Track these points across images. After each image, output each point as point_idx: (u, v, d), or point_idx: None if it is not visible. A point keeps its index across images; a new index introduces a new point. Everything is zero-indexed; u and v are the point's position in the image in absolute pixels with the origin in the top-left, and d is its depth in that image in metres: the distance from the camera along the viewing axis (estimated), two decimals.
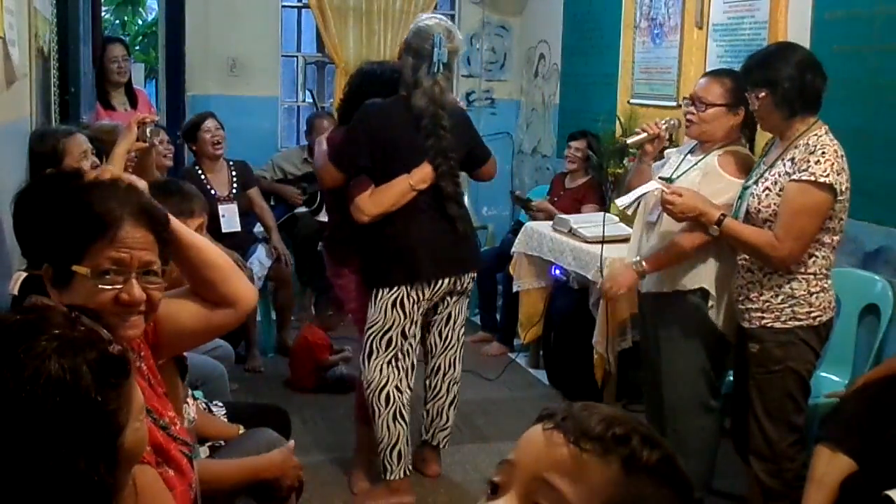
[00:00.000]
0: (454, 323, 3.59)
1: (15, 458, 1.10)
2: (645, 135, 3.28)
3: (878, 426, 2.79)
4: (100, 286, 1.60)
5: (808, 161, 2.77)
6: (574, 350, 4.48)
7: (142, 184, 1.74)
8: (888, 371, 3.00)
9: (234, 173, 5.16)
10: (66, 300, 1.59)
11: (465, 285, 3.55)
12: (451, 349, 3.62)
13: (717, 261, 3.10)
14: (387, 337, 3.39)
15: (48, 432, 1.11)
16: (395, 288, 3.36)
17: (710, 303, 3.11)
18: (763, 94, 2.85)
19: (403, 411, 3.43)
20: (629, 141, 3.45)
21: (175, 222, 1.82)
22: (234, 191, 5.12)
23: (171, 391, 2.06)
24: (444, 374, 3.63)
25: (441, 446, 3.72)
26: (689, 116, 3.18)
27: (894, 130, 3.47)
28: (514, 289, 4.96)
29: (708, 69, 4.53)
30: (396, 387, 3.42)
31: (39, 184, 1.70)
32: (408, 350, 3.45)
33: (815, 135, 2.82)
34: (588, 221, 4.50)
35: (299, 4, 6.69)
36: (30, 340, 1.14)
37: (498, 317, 5.59)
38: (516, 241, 4.89)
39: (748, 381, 2.99)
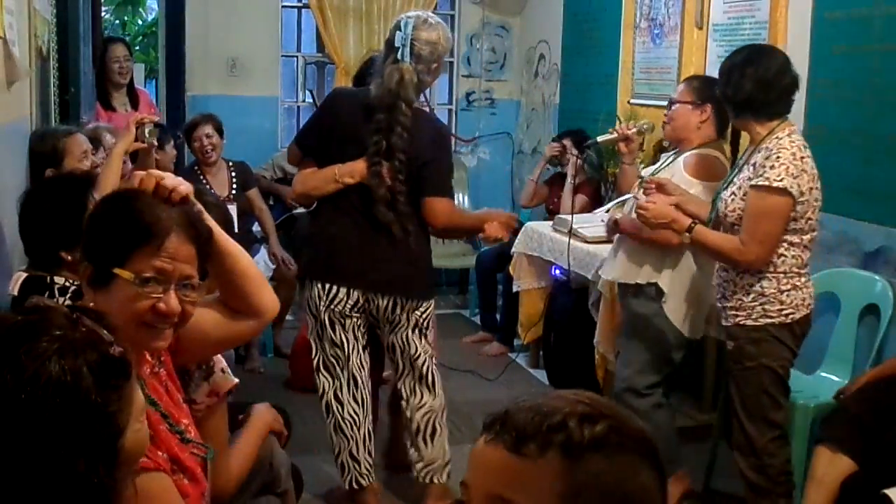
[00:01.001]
0: (401, 353, 3.30)
1: (14, 458, 1.10)
2: (615, 135, 3.50)
3: (878, 427, 2.80)
4: (139, 293, 1.62)
5: (765, 166, 2.82)
6: (574, 350, 4.47)
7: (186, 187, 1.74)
8: (888, 371, 3.01)
9: (233, 174, 5.17)
10: (101, 300, 1.61)
11: (384, 308, 3.21)
12: (406, 376, 3.33)
13: (674, 259, 3.26)
14: (312, 339, 3.33)
15: (48, 433, 1.10)
16: (305, 283, 3.31)
17: (664, 298, 3.27)
18: (718, 95, 3.02)
19: (342, 425, 3.30)
20: (599, 139, 3.63)
21: (217, 229, 1.83)
22: (233, 192, 5.13)
23: (219, 435, 2.08)
24: (406, 400, 3.34)
25: (423, 480, 3.37)
26: (664, 119, 3.42)
27: (894, 130, 3.47)
28: (514, 289, 4.96)
29: (708, 69, 4.54)
30: (335, 395, 3.31)
31: (59, 183, 1.70)
32: (335, 357, 3.28)
33: (777, 138, 2.86)
34: (588, 221, 4.50)
35: (299, 4, 6.68)
36: (31, 341, 1.14)
37: (498, 317, 5.59)
38: (516, 241, 4.89)
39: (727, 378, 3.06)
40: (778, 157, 2.80)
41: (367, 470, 3.34)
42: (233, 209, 5.00)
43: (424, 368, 3.32)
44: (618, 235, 3.47)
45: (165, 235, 1.63)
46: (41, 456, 1.10)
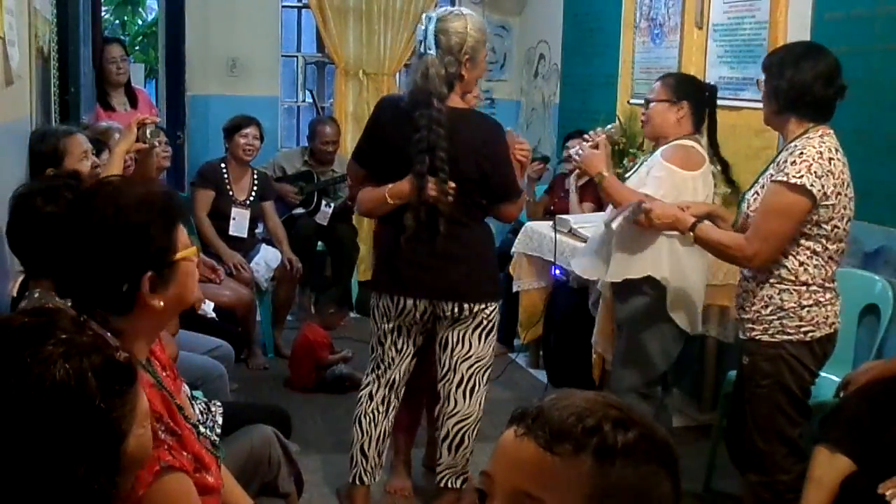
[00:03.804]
0: (451, 351, 3.22)
1: (15, 462, 1.09)
2: (585, 144, 3.39)
3: (877, 427, 2.79)
4: (193, 259, 1.75)
5: (787, 161, 2.73)
6: (574, 350, 4.47)
7: None
8: (887, 372, 3.00)
9: (255, 182, 5.20)
10: (172, 295, 1.69)
11: (450, 312, 3.16)
12: (447, 381, 3.25)
13: (672, 253, 3.21)
14: (372, 344, 3.34)
15: (50, 438, 1.10)
16: (373, 293, 3.30)
17: (665, 291, 3.23)
18: (768, 86, 2.85)
19: (363, 419, 3.31)
20: (572, 151, 3.58)
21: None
22: (251, 198, 5.17)
23: None
24: (442, 406, 3.28)
25: (442, 485, 3.37)
26: (641, 118, 3.43)
27: (894, 130, 3.47)
28: (514, 289, 4.95)
29: (708, 69, 4.54)
30: (370, 392, 3.32)
31: (78, 216, 1.68)
32: (386, 362, 3.28)
33: (807, 137, 2.76)
34: (588, 221, 4.49)
35: (299, 4, 6.68)
36: (36, 344, 1.13)
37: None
38: (516, 241, 4.89)
39: (744, 392, 2.98)
40: (801, 154, 2.70)
41: (372, 468, 3.34)
42: (246, 214, 5.09)
43: (469, 373, 3.23)
44: (609, 236, 3.38)
45: (178, 203, 1.74)
46: (42, 460, 1.09)
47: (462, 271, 3.14)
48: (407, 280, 3.16)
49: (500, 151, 3.11)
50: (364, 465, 3.33)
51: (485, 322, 3.21)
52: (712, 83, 3.50)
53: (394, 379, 3.31)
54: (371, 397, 3.32)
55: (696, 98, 3.34)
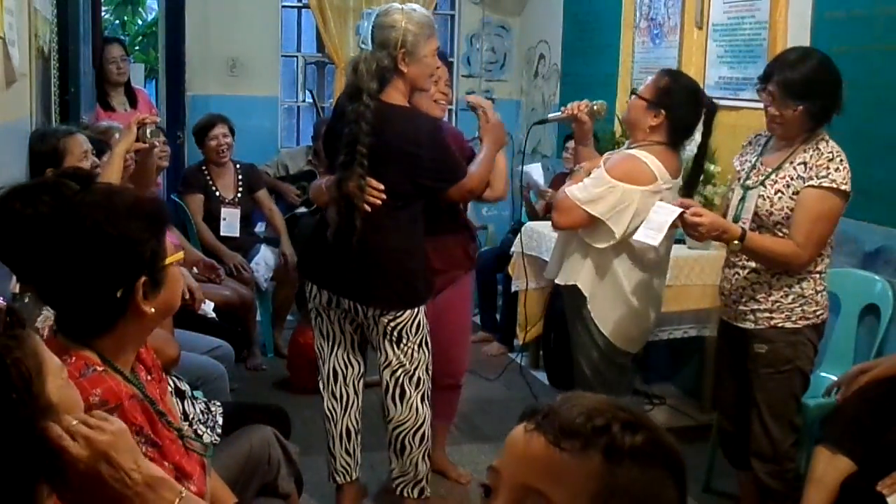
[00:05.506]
0: (383, 358, 3.14)
1: None
2: (565, 114, 3.25)
3: (877, 428, 2.79)
4: (179, 264, 1.79)
5: (828, 168, 2.80)
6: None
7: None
8: (889, 373, 3.00)
9: (240, 177, 5.19)
10: (161, 300, 1.72)
11: (348, 306, 3.10)
12: (383, 387, 3.18)
13: (595, 262, 3.09)
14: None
15: None
16: None
17: (588, 303, 3.11)
18: (800, 107, 2.80)
19: (324, 418, 3.28)
20: (549, 116, 3.48)
21: None
22: (238, 194, 5.15)
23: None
24: (386, 411, 3.21)
25: (398, 492, 3.28)
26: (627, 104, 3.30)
27: (894, 130, 3.47)
28: (514, 289, 4.96)
29: (708, 69, 4.54)
30: (321, 388, 3.29)
31: (68, 221, 1.67)
32: (320, 349, 3.24)
33: (824, 140, 2.86)
34: None
35: (299, 4, 6.69)
36: None
37: (498, 317, 5.59)
38: (516, 241, 4.89)
39: (750, 382, 2.99)
40: (841, 160, 2.82)
41: (343, 468, 3.29)
42: (236, 213, 5.07)
43: (391, 380, 3.14)
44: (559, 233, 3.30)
45: (165, 209, 1.77)
46: None
47: (363, 271, 3.03)
48: (315, 267, 3.19)
49: (430, 149, 2.99)
50: (333, 464, 3.30)
51: (390, 330, 3.08)
52: (713, 101, 3.17)
53: (333, 369, 3.23)
54: (322, 394, 3.29)
55: (685, 112, 3.04)
